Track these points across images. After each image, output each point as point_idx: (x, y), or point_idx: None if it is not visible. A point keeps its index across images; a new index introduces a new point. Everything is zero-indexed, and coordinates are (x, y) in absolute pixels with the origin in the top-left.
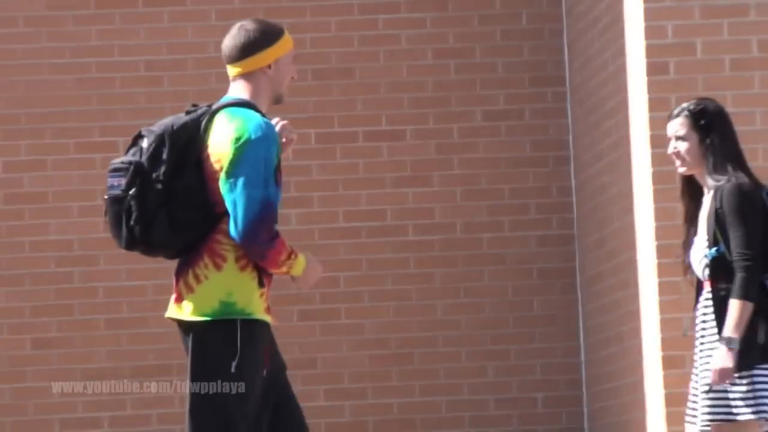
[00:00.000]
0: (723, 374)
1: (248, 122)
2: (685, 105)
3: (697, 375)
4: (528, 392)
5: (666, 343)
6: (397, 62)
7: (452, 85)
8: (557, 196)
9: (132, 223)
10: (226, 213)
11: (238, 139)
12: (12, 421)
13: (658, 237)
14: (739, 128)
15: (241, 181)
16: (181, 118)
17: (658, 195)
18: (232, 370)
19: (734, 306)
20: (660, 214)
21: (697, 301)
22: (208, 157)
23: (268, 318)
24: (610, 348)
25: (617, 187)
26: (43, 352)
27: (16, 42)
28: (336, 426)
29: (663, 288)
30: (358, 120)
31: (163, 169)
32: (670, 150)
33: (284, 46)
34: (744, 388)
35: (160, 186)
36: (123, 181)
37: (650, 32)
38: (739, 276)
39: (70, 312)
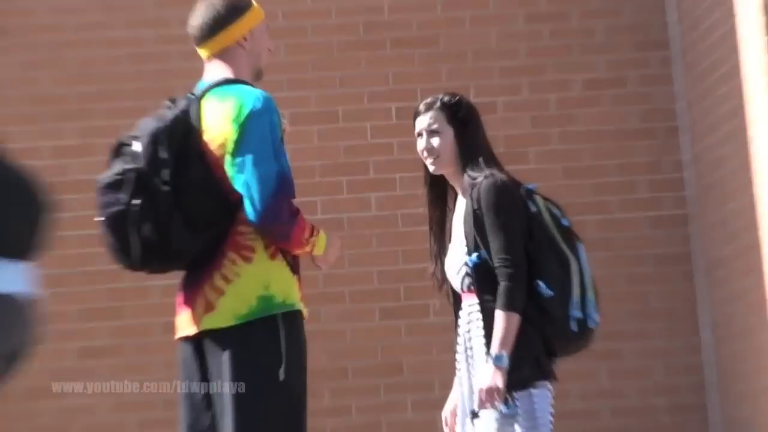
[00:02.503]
0: (491, 394)
1: (243, 97)
2: (434, 97)
3: (464, 403)
4: (647, 399)
5: None
6: (486, 28)
7: (547, 52)
8: (669, 172)
9: (146, 234)
10: (241, 200)
11: (238, 117)
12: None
13: None
14: None
15: (249, 160)
16: (167, 113)
17: None
18: (281, 378)
19: (500, 318)
20: None
21: (457, 316)
22: (207, 145)
23: (305, 309)
24: (738, 344)
25: (737, 159)
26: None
27: (67, 16)
28: None
29: None
30: (442, 92)
31: (166, 169)
32: (421, 147)
33: (256, 15)
34: (520, 410)
35: (167, 188)
36: (121, 195)
37: None
38: (502, 285)
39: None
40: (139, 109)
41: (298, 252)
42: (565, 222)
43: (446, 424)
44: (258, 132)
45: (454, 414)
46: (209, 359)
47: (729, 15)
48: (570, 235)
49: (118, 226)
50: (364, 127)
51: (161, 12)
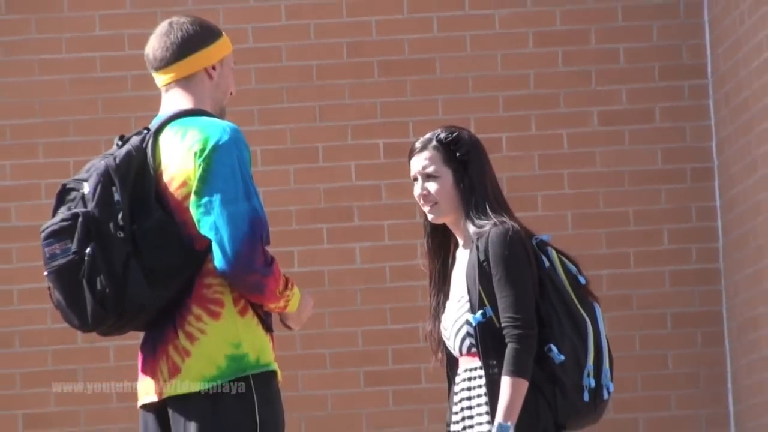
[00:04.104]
0: None
1: (208, 129)
2: (430, 135)
3: None
4: None
5: None
6: (489, 51)
7: (560, 80)
8: (698, 220)
9: (100, 287)
10: (208, 249)
11: (202, 151)
12: None
13: None
14: None
15: (217, 199)
16: (119, 151)
17: None
18: None
19: (506, 384)
20: None
21: (452, 382)
22: (166, 186)
23: (279, 372)
24: None
25: None
26: None
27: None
28: None
29: None
30: (439, 126)
31: (120, 213)
32: (417, 192)
33: (226, 45)
34: None
35: (121, 234)
36: (69, 244)
37: None
38: (510, 347)
39: None
40: (87, 145)
41: (271, 307)
42: (581, 280)
43: None
44: (225, 167)
45: None
46: (174, 429)
47: None
48: (586, 295)
49: (66, 279)
50: (347, 167)
51: (111, 31)
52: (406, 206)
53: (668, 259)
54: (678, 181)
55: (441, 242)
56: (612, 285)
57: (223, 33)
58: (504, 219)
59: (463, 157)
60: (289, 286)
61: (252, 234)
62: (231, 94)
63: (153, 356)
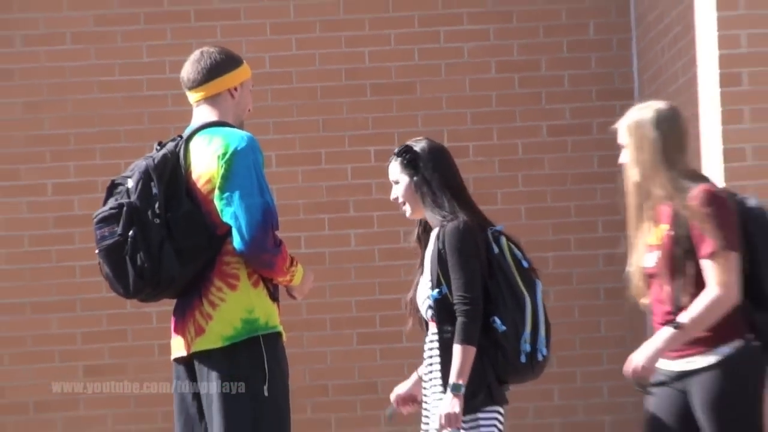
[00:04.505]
0: (450, 420)
1: (229, 137)
2: (397, 149)
3: (428, 417)
4: (594, 416)
5: None
6: (460, 76)
7: (517, 100)
8: (625, 213)
9: (140, 263)
10: (228, 234)
11: (224, 155)
12: None
13: None
14: None
15: (237, 194)
16: (157, 154)
17: None
18: (266, 393)
19: (457, 351)
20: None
21: (425, 341)
22: (195, 182)
23: (284, 333)
24: None
25: None
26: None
27: (64, 60)
28: None
29: None
30: (418, 136)
31: (157, 203)
32: (392, 197)
33: (246, 72)
34: None
35: (158, 220)
36: (116, 228)
37: (723, 42)
38: (459, 320)
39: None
40: (134, 149)
41: (279, 280)
42: (525, 263)
43: (396, 401)
44: (243, 168)
45: (407, 397)
46: (200, 377)
47: (689, 66)
48: (529, 274)
49: (113, 257)
50: (345, 169)
51: (155, 58)
52: (392, 201)
53: (602, 245)
54: (610, 182)
55: (425, 232)
56: (556, 265)
57: (244, 61)
58: (459, 213)
59: (414, 164)
60: (294, 263)
61: (264, 222)
62: (249, 110)
63: (183, 319)
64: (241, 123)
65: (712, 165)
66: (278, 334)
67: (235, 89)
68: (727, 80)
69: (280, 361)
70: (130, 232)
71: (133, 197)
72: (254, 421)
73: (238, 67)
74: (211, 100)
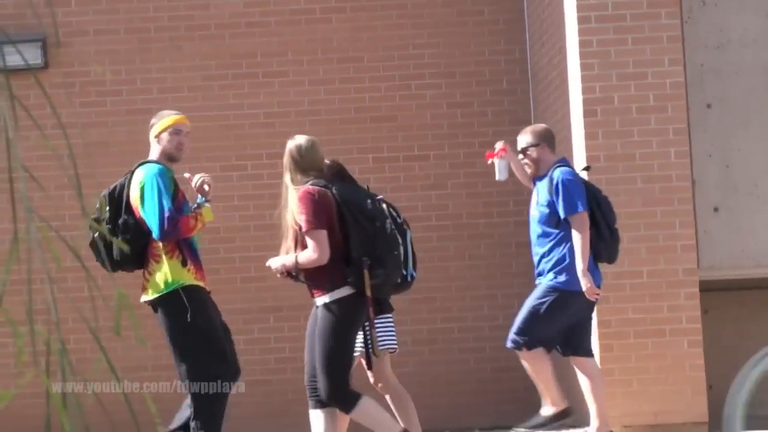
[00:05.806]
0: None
1: (145, 170)
2: None
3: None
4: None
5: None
6: (422, 111)
7: (460, 126)
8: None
9: (106, 251)
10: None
11: (142, 182)
12: None
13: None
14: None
15: (147, 206)
16: (116, 182)
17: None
18: (189, 320)
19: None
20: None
21: None
22: (132, 201)
23: (200, 283)
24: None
25: None
26: None
27: None
28: None
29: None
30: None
31: (107, 216)
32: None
33: (164, 124)
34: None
35: (109, 226)
36: (90, 232)
37: (585, 89)
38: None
39: None
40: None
41: (194, 232)
42: (398, 219)
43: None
44: (149, 190)
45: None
46: (156, 314)
47: (565, 103)
48: (401, 226)
49: (92, 249)
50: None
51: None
52: (381, 191)
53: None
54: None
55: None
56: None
57: (165, 117)
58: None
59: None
60: (198, 216)
61: (161, 219)
62: (178, 147)
63: (142, 281)
64: (172, 155)
65: (578, 167)
66: (192, 287)
67: (157, 137)
68: (588, 113)
69: (200, 302)
70: (95, 234)
71: (97, 213)
72: (187, 339)
73: (159, 121)
74: (153, 141)
